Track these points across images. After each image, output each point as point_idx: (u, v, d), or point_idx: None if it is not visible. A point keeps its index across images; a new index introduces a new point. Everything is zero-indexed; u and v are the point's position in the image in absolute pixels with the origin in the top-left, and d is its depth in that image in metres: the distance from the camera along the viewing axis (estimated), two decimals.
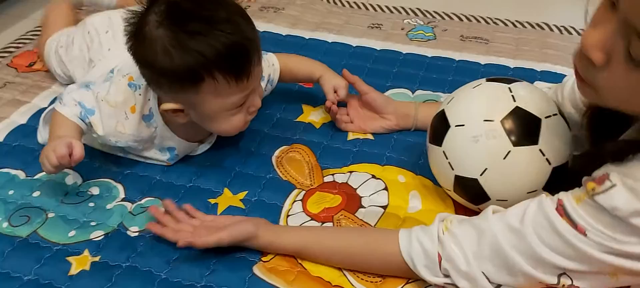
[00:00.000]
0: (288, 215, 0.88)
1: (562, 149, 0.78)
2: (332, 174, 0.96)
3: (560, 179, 0.78)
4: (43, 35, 1.22)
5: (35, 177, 0.95)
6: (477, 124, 0.78)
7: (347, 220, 0.87)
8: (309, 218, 0.87)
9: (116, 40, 1.02)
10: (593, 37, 0.58)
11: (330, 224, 0.86)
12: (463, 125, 0.79)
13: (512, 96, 0.79)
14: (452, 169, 0.81)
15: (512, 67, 1.24)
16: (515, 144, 0.76)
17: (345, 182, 0.94)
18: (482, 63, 1.26)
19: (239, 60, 0.81)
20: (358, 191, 0.92)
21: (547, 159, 0.76)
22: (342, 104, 1.05)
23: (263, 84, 0.99)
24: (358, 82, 1.04)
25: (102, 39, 1.04)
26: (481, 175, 0.78)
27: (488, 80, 0.84)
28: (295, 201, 0.91)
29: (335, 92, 1.01)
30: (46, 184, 0.93)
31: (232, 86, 0.82)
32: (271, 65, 1.03)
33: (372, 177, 0.95)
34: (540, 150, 0.76)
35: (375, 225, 0.86)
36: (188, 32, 0.78)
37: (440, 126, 0.82)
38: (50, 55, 1.14)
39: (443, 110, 0.83)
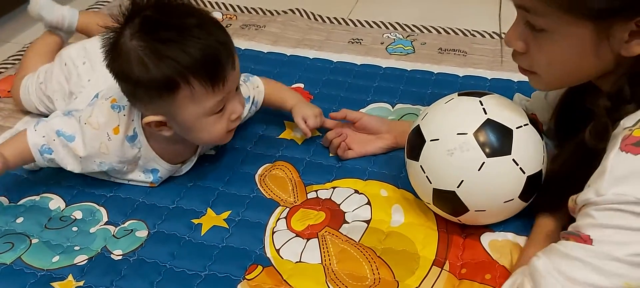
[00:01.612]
0: (273, 233, 0.89)
1: (535, 158, 0.80)
2: (316, 190, 0.97)
3: (535, 187, 0.80)
4: (18, 74, 1.18)
5: (18, 203, 0.95)
6: (451, 137, 0.80)
7: (332, 237, 0.88)
8: (294, 236, 0.88)
9: (95, 70, 1.02)
10: (509, 33, 0.75)
11: (315, 240, 0.87)
12: (438, 139, 0.81)
13: (484, 109, 0.80)
14: (430, 183, 0.82)
15: (489, 78, 1.26)
16: (488, 155, 0.77)
17: (328, 197, 0.95)
18: (461, 75, 1.28)
19: (214, 65, 0.82)
20: (341, 207, 0.93)
21: (521, 168, 0.78)
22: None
23: (247, 106, 1.00)
24: (347, 113, 1.05)
25: (80, 71, 1.04)
26: (458, 187, 0.79)
27: (460, 94, 0.86)
28: (279, 218, 0.91)
29: (305, 122, 1.02)
30: (30, 210, 0.93)
31: (209, 91, 0.83)
32: (256, 87, 1.05)
33: (355, 192, 0.96)
34: (514, 160, 0.78)
35: (359, 240, 0.87)
36: (161, 40, 0.79)
37: (416, 141, 0.84)
38: (29, 93, 1.11)
39: (418, 125, 0.85)
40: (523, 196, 0.79)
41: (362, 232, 0.88)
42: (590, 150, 0.69)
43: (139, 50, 0.80)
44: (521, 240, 0.84)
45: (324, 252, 0.85)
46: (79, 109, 0.93)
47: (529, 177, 0.78)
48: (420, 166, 0.83)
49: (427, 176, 0.82)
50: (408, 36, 1.46)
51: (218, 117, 0.87)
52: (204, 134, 0.88)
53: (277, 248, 0.86)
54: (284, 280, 0.81)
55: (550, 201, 0.80)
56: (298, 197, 0.96)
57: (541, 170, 0.80)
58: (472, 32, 1.46)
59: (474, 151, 0.78)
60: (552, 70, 0.74)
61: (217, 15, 1.58)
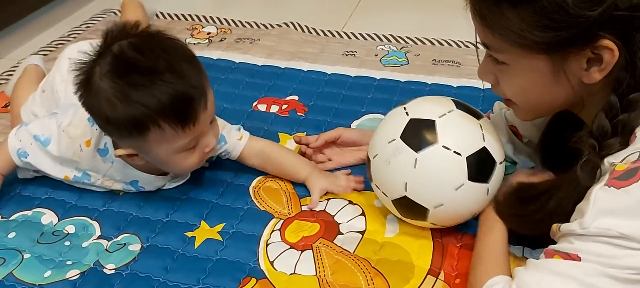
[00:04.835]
0: (267, 245, 0.88)
1: (469, 138, 0.80)
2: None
3: (484, 166, 0.80)
4: (13, 112, 1.16)
5: (10, 219, 0.94)
6: (384, 148, 0.83)
7: (326, 248, 0.87)
8: (288, 247, 0.88)
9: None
10: (480, 67, 0.79)
11: (309, 252, 0.87)
12: (377, 154, 0.84)
13: (406, 112, 0.83)
14: (387, 196, 0.84)
15: (482, 88, 1.26)
16: (417, 150, 0.79)
17: (322, 209, 0.95)
18: (455, 85, 1.28)
19: (184, 109, 0.81)
20: (336, 218, 0.93)
21: (454, 152, 0.78)
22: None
23: (219, 145, 0.96)
24: (325, 137, 1.03)
25: (58, 88, 1.04)
26: (406, 190, 0.80)
27: (393, 107, 0.89)
28: (273, 230, 0.91)
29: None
30: (21, 225, 0.93)
31: (179, 132, 0.82)
32: (238, 139, 0.99)
33: (349, 203, 0.96)
34: (444, 146, 0.78)
35: (353, 251, 0.87)
36: (131, 84, 0.79)
37: (367, 163, 0.88)
38: (36, 113, 1.08)
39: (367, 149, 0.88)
40: (473, 177, 0.79)
41: (356, 243, 0.88)
42: (582, 185, 0.68)
43: (110, 91, 0.79)
44: (515, 250, 0.84)
45: (318, 264, 0.84)
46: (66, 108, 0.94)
47: (468, 158, 0.78)
48: (376, 185, 0.87)
49: (382, 191, 0.85)
50: (402, 48, 1.47)
51: (190, 152, 0.87)
52: (176, 167, 0.91)
53: (271, 260, 0.85)
54: None
55: (533, 227, 0.77)
56: (292, 209, 0.95)
57: (483, 147, 0.80)
58: (465, 43, 1.46)
59: (405, 152, 0.80)
60: (523, 100, 0.76)
61: (211, 29, 1.58)
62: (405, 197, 0.81)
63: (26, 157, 0.93)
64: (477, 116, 0.83)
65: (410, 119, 0.82)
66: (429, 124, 0.80)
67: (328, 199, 0.97)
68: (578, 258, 0.64)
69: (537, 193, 0.75)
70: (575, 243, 0.65)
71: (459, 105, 0.83)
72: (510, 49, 0.70)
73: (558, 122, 0.84)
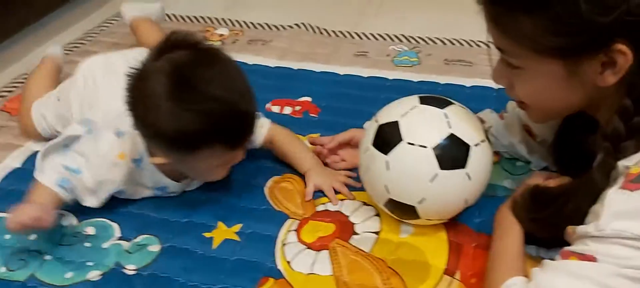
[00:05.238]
0: (284, 245, 0.89)
1: (429, 130, 0.81)
2: (324, 203, 0.97)
3: (451, 153, 0.80)
4: (24, 105, 1.17)
5: None
6: (363, 158, 0.87)
7: (342, 248, 0.88)
8: (305, 248, 0.89)
9: (110, 81, 1.02)
10: (494, 71, 0.78)
11: (325, 252, 0.88)
12: (360, 165, 0.89)
13: (376, 120, 0.87)
14: (377, 201, 0.88)
15: (495, 88, 1.26)
16: (386, 153, 0.82)
17: (337, 210, 0.96)
18: (468, 85, 1.29)
19: (238, 133, 0.85)
20: (350, 218, 0.94)
21: (420, 146, 0.80)
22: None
23: None
24: (338, 139, 1.04)
25: (97, 81, 1.04)
26: (389, 192, 0.83)
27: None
28: (289, 231, 0.92)
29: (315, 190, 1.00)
30: None
31: (227, 152, 0.86)
32: (260, 126, 1.02)
33: (363, 204, 0.96)
34: (409, 143, 0.80)
35: (369, 251, 0.87)
36: (188, 101, 0.79)
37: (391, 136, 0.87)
38: (46, 117, 1.10)
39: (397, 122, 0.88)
40: (446, 166, 0.79)
41: (372, 243, 0.89)
42: (599, 188, 0.69)
43: (168, 107, 0.79)
44: (531, 250, 0.84)
45: (334, 264, 0.85)
46: (73, 140, 0.92)
47: (435, 149, 0.79)
48: (367, 193, 0.90)
49: (373, 198, 0.90)
50: (414, 48, 1.47)
51: (223, 164, 0.90)
52: (206, 178, 0.96)
53: (288, 260, 0.87)
54: None
55: (550, 230, 0.77)
56: (307, 210, 0.96)
57: (450, 134, 0.80)
58: (477, 42, 1.46)
59: (377, 157, 0.83)
60: (537, 104, 0.77)
61: (224, 31, 1.60)
62: (390, 199, 0.84)
63: (69, 184, 0.89)
64: (444, 105, 0.84)
65: (379, 125, 0.84)
66: (394, 125, 0.82)
67: (342, 200, 0.98)
68: (594, 259, 0.64)
69: (554, 197, 0.75)
70: (591, 245, 0.65)
71: (423, 100, 0.85)
72: (524, 53, 0.70)
73: (571, 121, 0.85)
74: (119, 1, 1.52)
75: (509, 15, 0.69)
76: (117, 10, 1.71)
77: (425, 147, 0.80)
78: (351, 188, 0.99)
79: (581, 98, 0.73)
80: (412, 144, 0.80)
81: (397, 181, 0.82)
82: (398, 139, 0.81)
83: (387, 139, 0.82)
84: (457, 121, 0.82)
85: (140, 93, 0.83)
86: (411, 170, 0.81)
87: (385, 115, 0.86)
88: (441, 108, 0.83)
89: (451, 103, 0.85)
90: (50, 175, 0.88)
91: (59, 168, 0.89)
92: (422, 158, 0.80)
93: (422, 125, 0.82)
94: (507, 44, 0.72)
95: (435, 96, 0.87)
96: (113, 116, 0.92)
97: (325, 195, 0.98)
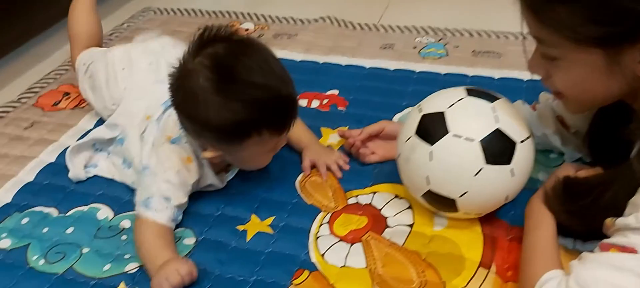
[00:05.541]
0: (317, 238, 0.90)
1: (476, 123, 0.81)
2: (356, 196, 0.98)
3: (497, 148, 0.80)
4: (73, 49, 1.26)
5: (67, 214, 0.97)
6: (403, 147, 0.86)
7: (376, 241, 0.88)
8: (338, 240, 0.89)
9: (132, 78, 1.06)
10: (530, 61, 0.78)
11: (358, 245, 0.88)
12: (399, 154, 0.88)
13: (419, 109, 0.86)
14: (415, 193, 0.88)
15: (525, 80, 1.25)
16: (431, 143, 0.81)
17: (369, 202, 0.96)
18: (496, 77, 1.28)
19: (285, 117, 0.87)
20: (382, 211, 0.94)
21: (466, 138, 0.80)
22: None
23: None
24: (369, 130, 1.04)
25: (118, 76, 1.08)
26: (429, 183, 0.83)
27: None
28: (322, 224, 0.92)
29: (312, 167, 1.02)
30: (79, 220, 0.96)
31: (274, 137, 0.87)
32: None
33: (396, 197, 0.96)
34: (455, 135, 0.80)
35: (403, 244, 0.88)
36: (235, 91, 0.81)
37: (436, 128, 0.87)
38: (83, 77, 1.17)
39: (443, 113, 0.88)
40: (491, 161, 0.79)
41: (405, 236, 0.89)
42: (638, 178, 0.68)
43: (216, 100, 0.81)
44: (567, 243, 0.83)
45: (368, 256, 0.86)
46: (147, 166, 0.92)
47: (482, 142, 0.79)
48: (405, 184, 0.90)
49: (411, 189, 0.89)
50: (440, 39, 1.46)
51: (270, 150, 0.92)
52: (252, 165, 0.96)
53: (321, 253, 0.87)
54: (331, 285, 0.82)
55: (585, 222, 0.77)
56: (338, 203, 0.96)
57: (496, 129, 0.80)
58: (505, 33, 1.45)
59: (420, 147, 0.82)
60: (575, 94, 0.76)
61: (249, 25, 1.60)
62: (429, 191, 0.83)
63: (177, 214, 0.90)
64: (491, 99, 0.83)
65: (423, 115, 0.84)
66: (439, 116, 0.81)
67: (374, 193, 0.98)
68: (635, 251, 0.64)
69: (588, 188, 0.75)
70: (631, 237, 0.65)
71: (471, 92, 0.84)
72: (563, 43, 0.70)
73: (606, 111, 0.84)
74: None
75: (547, 4, 0.69)
76: (143, 6, 1.72)
77: (472, 140, 0.79)
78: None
79: (621, 88, 0.72)
80: (459, 136, 0.80)
81: (439, 172, 0.82)
82: (444, 130, 0.80)
83: (432, 129, 0.82)
84: (504, 116, 0.81)
85: (186, 92, 0.84)
86: (456, 163, 0.80)
87: (430, 105, 0.85)
88: (489, 102, 0.83)
89: (498, 97, 0.84)
90: (164, 213, 0.87)
91: (162, 204, 0.88)
92: (468, 151, 0.79)
93: (470, 118, 0.81)
94: (545, 34, 0.71)
95: (483, 89, 0.86)
96: (139, 120, 0.96)
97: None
